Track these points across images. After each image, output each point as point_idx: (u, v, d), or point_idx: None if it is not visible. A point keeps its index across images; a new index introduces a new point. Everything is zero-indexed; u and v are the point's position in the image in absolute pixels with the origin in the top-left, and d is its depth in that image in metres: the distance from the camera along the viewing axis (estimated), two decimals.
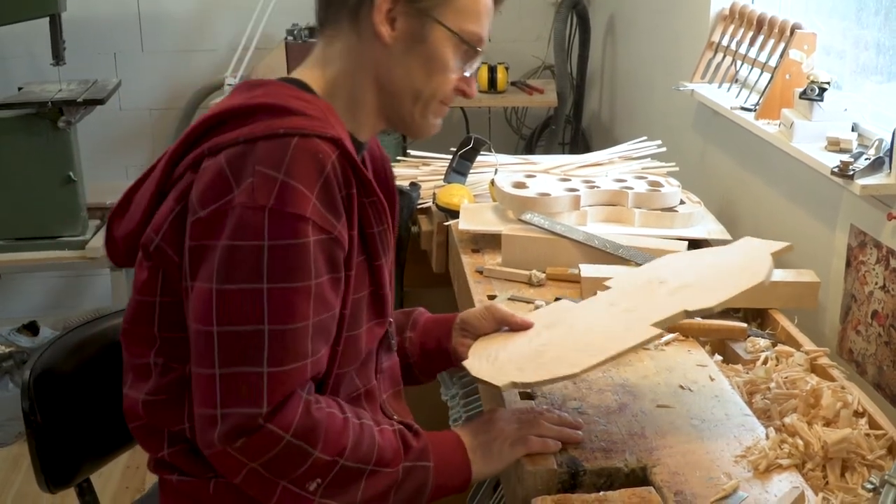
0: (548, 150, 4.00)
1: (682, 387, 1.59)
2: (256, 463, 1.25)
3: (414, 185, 2.52)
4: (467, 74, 1.41)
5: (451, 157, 2.54)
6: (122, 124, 4.21)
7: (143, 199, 1.37)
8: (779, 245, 1.64)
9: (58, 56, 3.51)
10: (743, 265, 1.58)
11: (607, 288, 1.64)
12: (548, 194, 2.14)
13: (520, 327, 1.57)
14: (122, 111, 4.18)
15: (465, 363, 1.50)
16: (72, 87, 3.60)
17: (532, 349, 1.49)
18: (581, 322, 1.55)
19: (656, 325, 1.44)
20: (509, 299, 1.88)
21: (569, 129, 4.14)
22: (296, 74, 1.41)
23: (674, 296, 1.52)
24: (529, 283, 1.96)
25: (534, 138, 4.26)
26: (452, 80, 1.40)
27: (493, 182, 2.28)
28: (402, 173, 2.67)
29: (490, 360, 1.49)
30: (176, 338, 1.34)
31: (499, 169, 2.53)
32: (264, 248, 1.22)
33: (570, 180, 2.27)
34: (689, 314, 1.47)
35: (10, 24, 3.51)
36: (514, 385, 1.41)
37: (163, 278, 1.33)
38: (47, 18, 3.45)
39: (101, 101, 3.41)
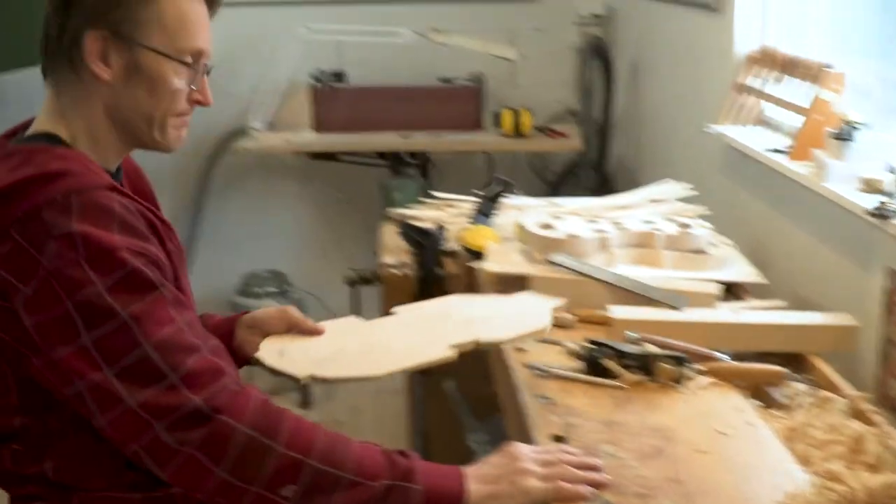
0: (572, 195, 3.97)
1: (719, 431, 1.55)
2: (220, 466, 1.25)
3: (440, 228, 2.50)
4: (194, 88, 1.44)
5: (475, 199, 2.52)
6: (147, 170, 4.20)
7: None
8: (556, 302, 1.76)
9: None
10: (524, 312, 1.71)
11: (633, 329, 1.61)
12: (576, 235, 2.11)
13: (311, 332, 1.62)
14: (145, 156, 4.18)
15: (259, 355, 1.54)
16: None
17: (329, 351, 1.54)
18: (377, 335, 1.61)
19: (454, 346, 1.52)
20: (538, 341, 1.84)
21: (593, 173, 4.12)
22: (42, 126, 1.41)
23: (464, 327, 1.61)
24: (559, 324, 1.92)
25: (558, 183, 4.23)
26: (181, 96, 1.43)
27: (519, 224, 2.26)
28: (427, 215, 2.65)
29: (284, 355, 1.54)
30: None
31: (525, 211, 2.50)
32: (102, 289, 1.26)
33: (597, 221, 2.24)
34: (480, 344, 1.57)
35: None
36: (314, 378, 1.45)
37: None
38: None
39: None
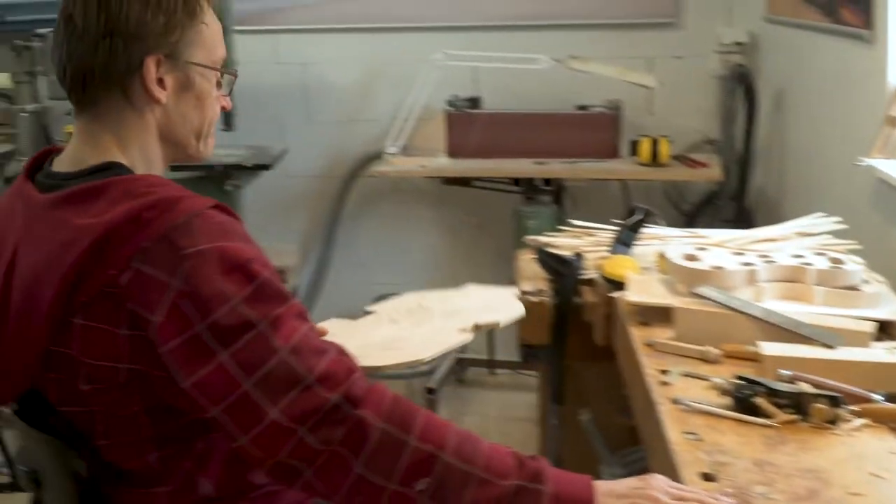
0: (710, 226, 3.89)
1: (874, 475, 1.48)
2: (359, 460, 1.26)
3: (578, 256, 2.47)
4: (225, 94, 1.52)
5: (612, 227, 2.48)
6: (287, 190, 4.31)
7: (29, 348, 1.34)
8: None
9: (229, 122, 3.61)
10: (496, 302, 1.86)
11: (784, 367, 1.56)
12: (722, 268, 2.06)
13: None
14: (286, 177, 4.28)
15: None
16: (240, 151, 3.70)
17: (355, 345, 1.48)
18: (378, 333, 1.70)
19: (463, 330, 1.64)
20: (683, 375, 1.80)
21: (732, 204, 4.03)
22: (101, 158, 1.40)
23: (453, 317, 1.70)
24: (704, 359, 1.87)
25: (694, 213, 4.15)
26: (218, 103, 1.50)
27: (661, 254, 2.21)
28: (565, 243, 2.62)
29: None
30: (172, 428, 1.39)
31: (666, 241, 2.45)
32: (239, 301, 1.27)
33: (744, 254, 2.18)
34: (480, 327, 1.70)
35: None
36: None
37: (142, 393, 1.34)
38: None
39: (267, 167, 3.50)
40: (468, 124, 3.90)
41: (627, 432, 2.48)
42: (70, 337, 1.31)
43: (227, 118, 3.61)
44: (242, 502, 1.45)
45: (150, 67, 1.38)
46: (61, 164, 1.43)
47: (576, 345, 2.53)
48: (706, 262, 2.10)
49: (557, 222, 3.85)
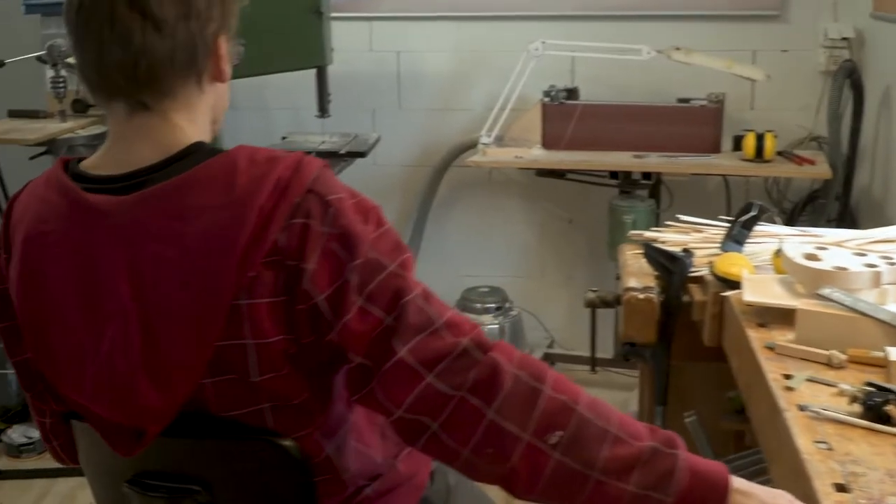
0: (812, 225, 3.77)
1: None
2: (492, 407, 1.22)
3: (687, 252, 2.38)
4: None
5: (722, 223, 2.40)
6: (376, 179, 4.28)
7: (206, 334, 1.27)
8: None
9: (323, 108, 3.59)
10: None
11: None
12: (845, 268, 1.96)
13: None
14: (376, 166, 4.25)
15: None
16: (334, 139, 3.68)
17: None
18: None
19: None
20: (808, 380, 1.71)
21: (836, 203, 3.90)
22: (180, 144, 1.34)
23: None
24: (829, 363, 1.78)
25: (795, 212, 4.03)
26: None
27: (777, 252, 2.12)
28: (672, 239, 2.54)
29: None
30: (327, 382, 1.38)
31: (781, 240, 2.36)
32: (372, 243, 1.28)
33: (866, 255, 2.08)
34: None
35: (279, 74, 3.62)
36: None
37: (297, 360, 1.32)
38: (313, 72, 3.54)
39: (362, 154, 3.47)
40: (565, 116, 3.82)
41: (732, 436, 2.40)
42: (240, 323, 1.26)
43: (322, 105, 3.59)
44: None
45: (223, 46, 1.37)
46: (107, 168, 1.34)
47: (681, 344, 2.45)
48: (828, 262, 2.00)
49: (655, 218, 3.77)
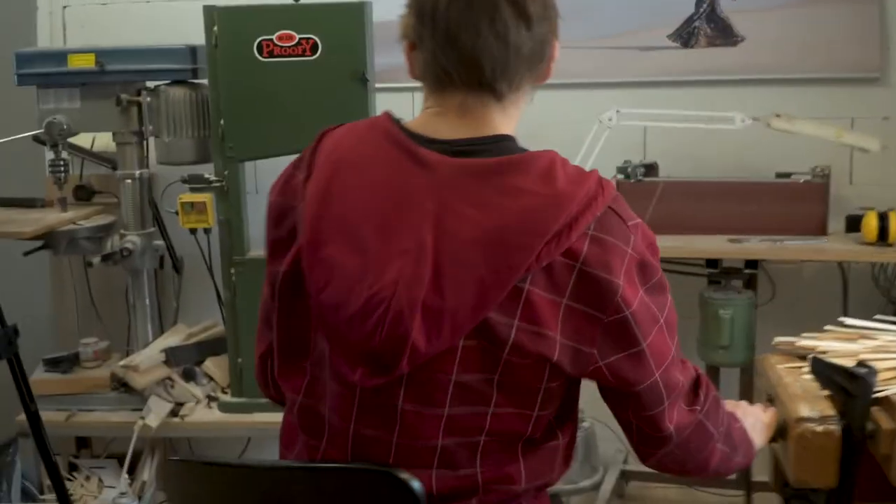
0: None
1: None
2: (701, 413, 1.49)
3: (868, 368, 1.83)
4: None
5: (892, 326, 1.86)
6: None
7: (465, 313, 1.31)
8: None
9: None
10: None
11: None
12: None
13: None
14: None
15: None
16: None
17: None
18: None
19: None
20: None
21: None
22: (497, 127, 1.42)
23: None
24: None
25: None
26: None
27: None
28: (836, 348, 1.99)
29: None
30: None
31: None
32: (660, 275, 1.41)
33: None
34: None
35: None
36: None
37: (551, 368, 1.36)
38: None
39: None
40: (644, 195, 3.28)
41: None
42: (518, 303, 1.31)
43: None
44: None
45: (556, 49, 1.43)
46: (437, 133, 1.40)
47: (865, 483, 1.91)
48: None
49: (753, 312, 3.22)
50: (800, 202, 3.28)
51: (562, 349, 1.32)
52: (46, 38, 3.82)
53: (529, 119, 3.84)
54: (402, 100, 3.65)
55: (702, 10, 3.59)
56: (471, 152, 1.36)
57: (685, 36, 3.60)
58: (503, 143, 1.39)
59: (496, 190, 1.31)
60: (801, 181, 3.29)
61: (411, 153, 1.36)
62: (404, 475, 1.33)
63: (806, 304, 3.46)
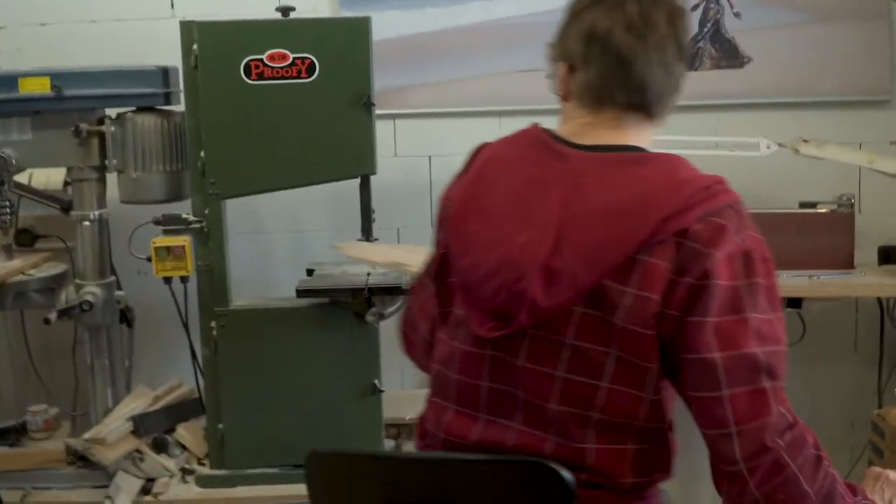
0: None
1: None
2: (795, 463, 1.38)
3: None
4: None
5: None
6: None
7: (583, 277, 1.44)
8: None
9: (367, 229, 2.77)
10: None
11: None
12: None
13: None
14: None
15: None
16: (379, 270, 2.81)
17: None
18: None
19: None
20: None
21: None
22: (633, 140, 1.55)
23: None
24: None
25: None
26: None
27: None
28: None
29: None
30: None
31: None
32: (766, 290, 1.42)
33: None
34: None
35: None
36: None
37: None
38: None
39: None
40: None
41: None
42: (630, 273, 1.41)
43: (366, 224, 2.76)
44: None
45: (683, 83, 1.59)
46: (584, 139, 1.55)
47: None
48: None
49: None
50: (827, 234, 3.06)
51: (659, 314, 1.41)
52: None
53: None
54: (380, 129, 3.36)
55: (706, 29, 3.39)
56: (603, 149, 1.53)
57: (689, 57, 3.36)
58: (636, 148, 1.54)
59: (622, 176, 1.47)
60: (828, 211, 3.07)
61: (552, 149, 1.55)
62: (554, 465, 1.41)
63: (837, 344, 3.27)
